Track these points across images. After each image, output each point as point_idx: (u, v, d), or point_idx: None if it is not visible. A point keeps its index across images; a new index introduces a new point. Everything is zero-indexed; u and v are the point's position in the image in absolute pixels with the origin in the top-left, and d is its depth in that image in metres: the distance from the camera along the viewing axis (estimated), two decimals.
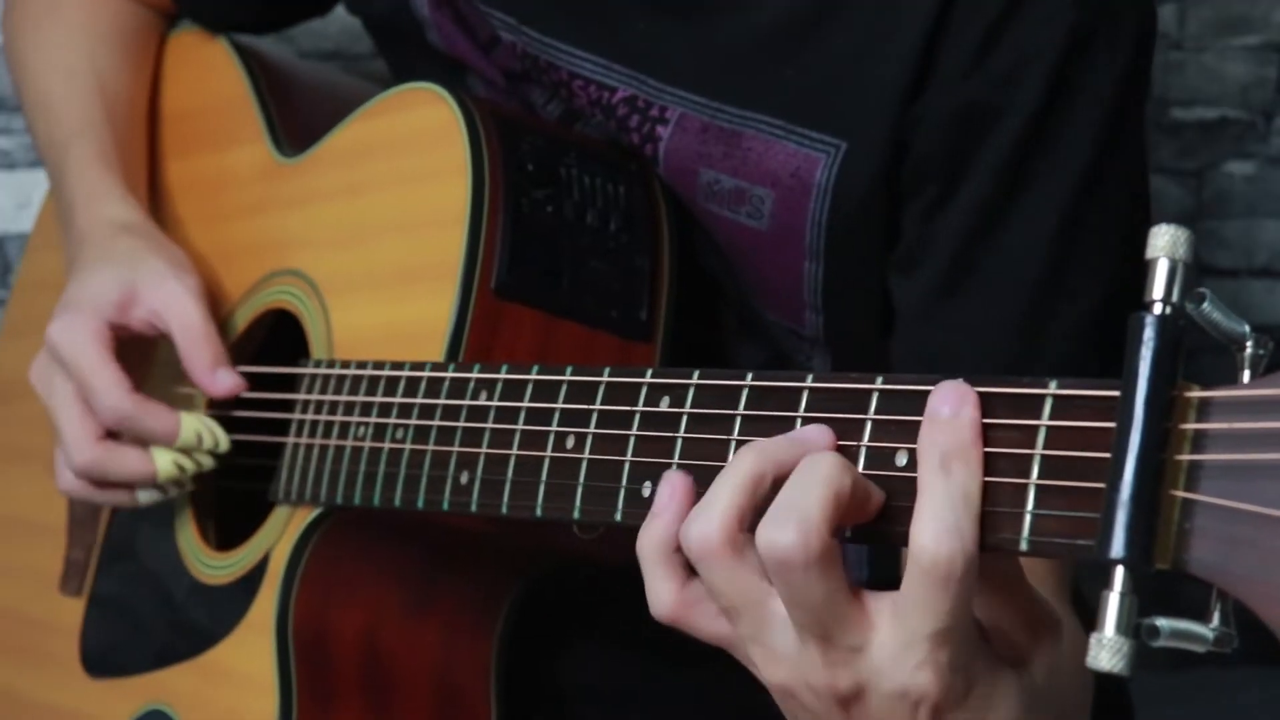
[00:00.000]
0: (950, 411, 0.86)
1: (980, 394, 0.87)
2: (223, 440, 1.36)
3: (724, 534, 0.88)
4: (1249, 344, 0.80)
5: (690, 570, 0.93)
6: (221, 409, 1.42)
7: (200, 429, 1.35)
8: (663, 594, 0.94)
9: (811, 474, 0.87)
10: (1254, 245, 1.99)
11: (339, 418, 1.28)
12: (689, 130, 1.29)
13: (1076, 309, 1.21)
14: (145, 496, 1.39)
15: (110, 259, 1.41)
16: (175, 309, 1.37)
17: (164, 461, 1.35)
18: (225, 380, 1.36)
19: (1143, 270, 1.28)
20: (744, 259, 1.31)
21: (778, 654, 0.90)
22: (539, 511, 1.09)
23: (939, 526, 0.84)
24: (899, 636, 0.87)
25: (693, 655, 1.42)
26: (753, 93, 1.27)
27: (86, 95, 1.55)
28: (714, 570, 0.89)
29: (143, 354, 1.43)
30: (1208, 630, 0.79)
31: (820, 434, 0.91)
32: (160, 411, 1.34)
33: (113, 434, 1.37)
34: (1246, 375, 0.80)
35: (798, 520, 0.85)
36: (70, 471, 1.39)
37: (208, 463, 1.36)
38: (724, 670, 1.41)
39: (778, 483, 0.89)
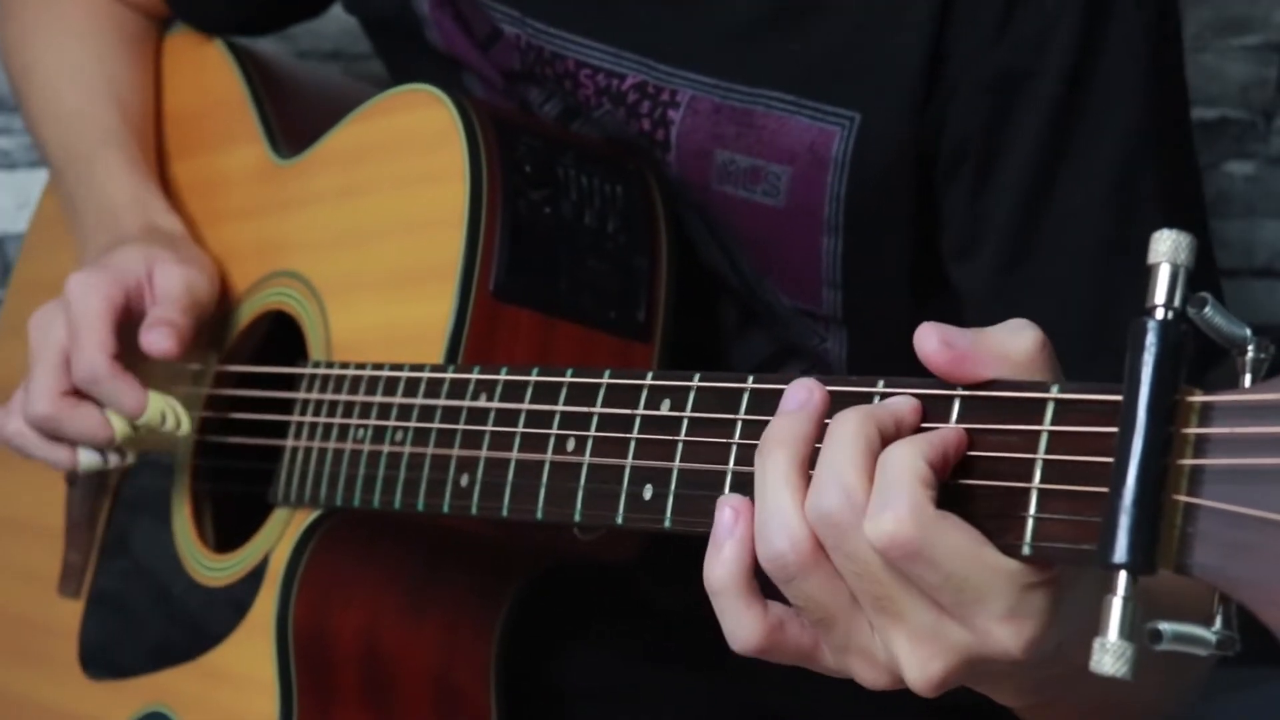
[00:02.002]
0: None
1: (983, 398, 0.87)
2: (185, 423, 1.37)
3: (811, 542, 0.86)
4: (1250, 348, 0.80)
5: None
6: (220, 410, 1.43)
7: (165, 409, 1.36)
8: (749, 624, 0.90)
9: (836, 437, 0.86)
10: (1254, 245, 1.99)
11: (338, 420, 1.28)
12: (701, 112, 1.29)
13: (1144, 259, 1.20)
14: (86, 459, 1.38)
15: (146, 242, 1.43)
16: (164, 283, 1.38)
17: (154, 407, 1.36)
18: (154, 336, 1.34)
19: (1202, 214, 1.25)
20: (759, 240, 1.31)
21: (872, 659, 0.88)
22: (540, 514, 1.09)
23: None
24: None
25: (692, 656, 1.43)
26: (762, 70, 1.26)
27: (104, 103, 1.55)
28: (808, 580, 0.87)
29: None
30: (1210, 633, 0.79)
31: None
32: (131, 384, 1.35)
33: (81, 395, 1.37)
34: (1248, 379, 0.80)
35: (837, 483, 0.85)
36: (20, 418, 1.39)
37: (185, 426, 1.37)
38: (722, 671, 1.42)
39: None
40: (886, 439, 0.86)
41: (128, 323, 1.37)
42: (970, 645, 0.85)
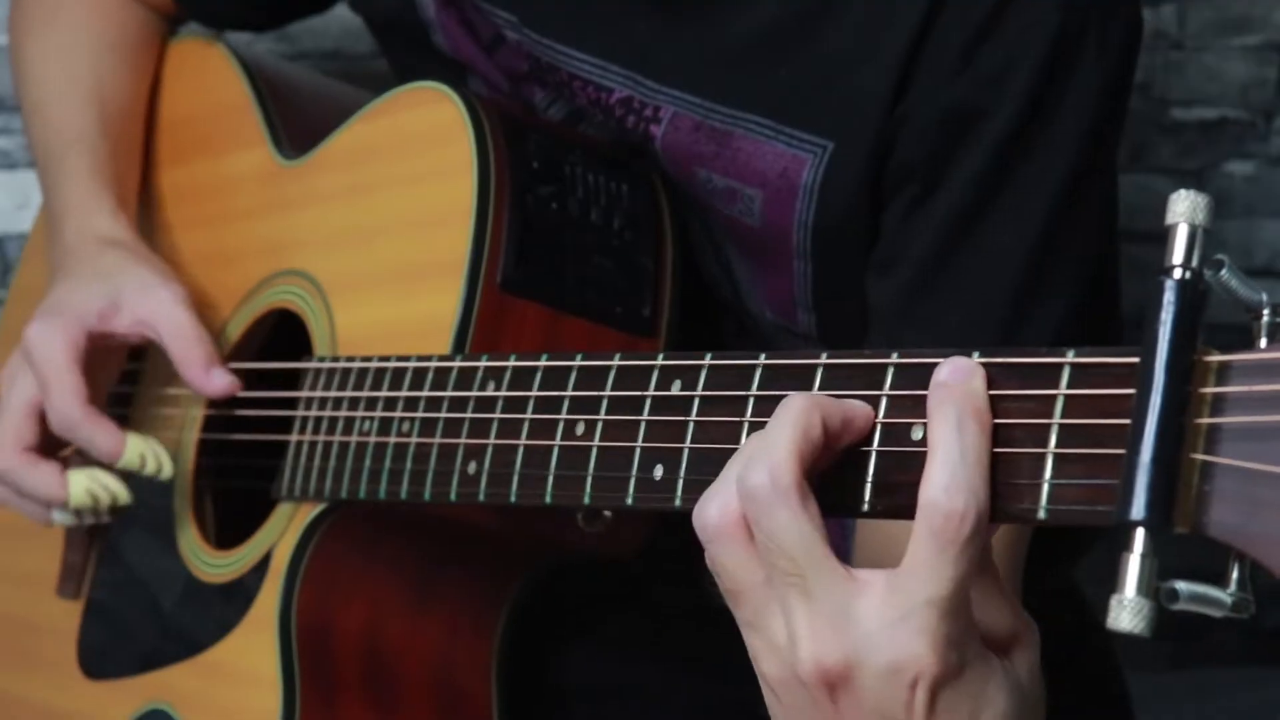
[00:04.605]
0: (962, 378, 0.87)
1: (998, 364, 0.87)
2: (166, 466, 1.38)
3: (734, 514, 0.88)
4: (1266, 311, 0.81)
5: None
6: (224, 408, 1.43)
7: (145, 451, 1.37)
8: (722, 498, 0.91)
9: (778, 416, 0.88)
10: (1254, 245, 2.00)
11: (343, 413, 1.28)
12: (681, 129, 1.30)
13: (1050, 312, 1.21)
14: (59, 517, 1.40)
15: (97, 271, 1.42)
16: (163, 314, 1.38)
17: (78, 489, 1.37)
18: (220, 379, 1.37)
19: (1113, 275, 1.28)
20: (742, 254, 1.32)
21: (772, 642, 0.89)
22: (549, 498, 1.09)
23: (952, 482, 0.83)
24: (895, 605, 0.84)
25: (692, 655, 1.43)
26: (745, 93, 1.27)
27: (84, 104, 1.55)
28: (723, 550, 0.89)
29: (130, 369, 1.46)
30: (1225, 595, 0.80)
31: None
32: (109, 429, 1.36)
33: (57, 445, 1.38)
34: (1264, 342, 0.81)
35: (766, 459, 0.86)
36: None
37: (123, 498, 1.38)
38: (724, 671, 1.42)
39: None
40: (830, 433, 0.88)
41: (92, 361, 1.38)
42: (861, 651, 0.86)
